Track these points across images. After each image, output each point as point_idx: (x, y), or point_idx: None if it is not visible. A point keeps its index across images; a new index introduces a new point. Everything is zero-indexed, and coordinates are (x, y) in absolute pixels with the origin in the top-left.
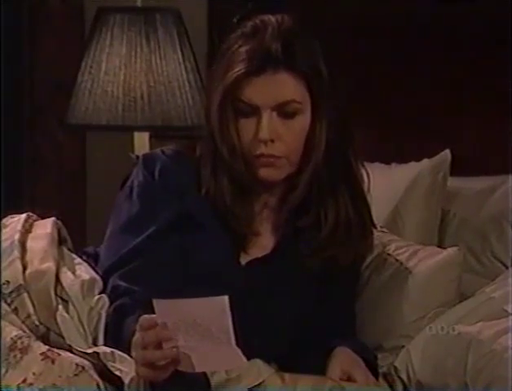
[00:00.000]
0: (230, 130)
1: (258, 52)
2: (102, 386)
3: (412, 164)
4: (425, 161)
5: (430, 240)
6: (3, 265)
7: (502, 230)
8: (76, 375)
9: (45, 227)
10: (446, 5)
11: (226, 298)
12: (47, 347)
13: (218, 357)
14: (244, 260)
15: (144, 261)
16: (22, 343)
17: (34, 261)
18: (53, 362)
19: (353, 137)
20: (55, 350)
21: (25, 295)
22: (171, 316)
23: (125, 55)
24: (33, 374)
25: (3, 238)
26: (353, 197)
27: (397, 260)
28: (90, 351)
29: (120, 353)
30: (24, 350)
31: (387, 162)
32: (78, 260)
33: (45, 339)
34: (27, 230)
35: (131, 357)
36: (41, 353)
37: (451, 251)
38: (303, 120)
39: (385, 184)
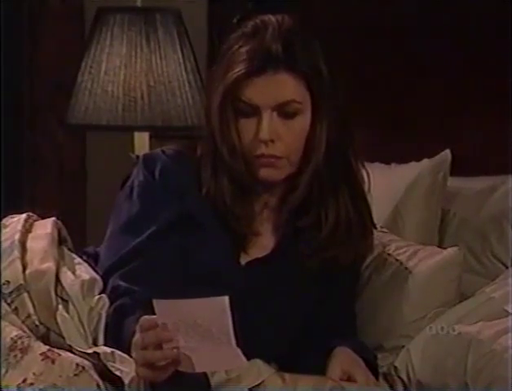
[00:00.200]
0: (230, 130)
1: (259, 52)
2: (102, 386)
3: (412, 164)
4: (425, 161)
5: (430, 240)
6: (3, 265)
7: (502, 230)
8: (76, 375)
9: (45, 227)
10: (446, 5)
11: (226, 298)
12: (47, 347)
13: (218, 357)
14: (244, 260)
15: (144, 261)
16: (22, 343)
17: (34, 261)
18: (53, 362)
19: (353, 137)
20: (56, 350)
21: (25, 295)
22: (171, 316)
23: (126, 55)
24: (34, 374)
25: (3, 238)
26: (353, 197)
27: (397, 260)
28: (90, 351)
29: (120, 353)
30: (25, 350)
31: (387, 162)
32: (78, 260)
33: (45, 339)
34: (27, 230)
35: (131, 357)
36: (42, 354)
37: (451, 251)
38: (303, 121)
39: (385, 184)
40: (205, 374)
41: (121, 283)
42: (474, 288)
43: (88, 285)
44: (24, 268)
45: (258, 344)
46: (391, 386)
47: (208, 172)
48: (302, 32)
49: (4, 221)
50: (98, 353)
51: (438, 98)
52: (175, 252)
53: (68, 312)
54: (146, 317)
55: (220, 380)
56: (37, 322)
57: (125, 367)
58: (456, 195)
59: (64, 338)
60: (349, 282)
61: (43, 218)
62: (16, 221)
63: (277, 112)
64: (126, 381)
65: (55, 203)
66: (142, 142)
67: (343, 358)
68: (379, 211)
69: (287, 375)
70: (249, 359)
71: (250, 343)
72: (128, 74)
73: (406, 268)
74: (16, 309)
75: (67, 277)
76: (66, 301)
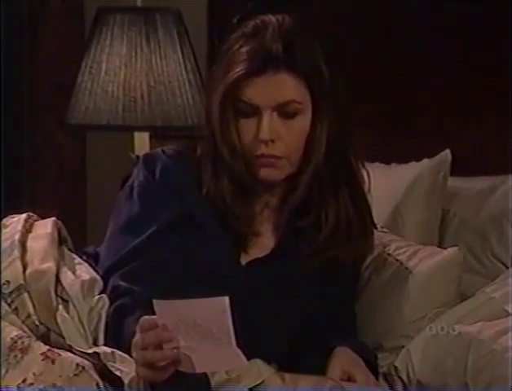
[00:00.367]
0: (230, 130)
1: (259, 52)
2: (102, 386)
3: (413, 164)
4: (426, 161)
5: (431, 240)
6: (3, 265)
7: (502, 230)
8: (76, 375)
9: (45, 227)
10: (446, 5)
11: (226, 299)
12: (47, 347)
13: (218, 357)
14: (244, 260)
15: (145, 261)
16: (22, 343)
17: (34, 261)
18: (53, 362)
19: (353, 137)
20: (56, 350)
21: (25, 295)
22: (171, 317)
23: (126, 55)
24: (34, 374)
25: (3, 238)
26: (353, 197)
27: (397, 260)
28: (90, 351)
29: (120, 353)
30: (25, 350)
31: (387, 162)
32: (78, 260)
33: (45, 339)
34: (27, 230)
35: (132, 357)
36: (42, 353)
37: (451, 251)
38: (304, 121)
39: (385, 184)
40: (205, 374)
41: (122, 283)
42: (474, 288)
43: (88, 285)
44: (25, 268)
45: (258, 344)
46: (391, 386)
47: (208, 172)
48: (302, 32)
49: (4, 221)
50: (98, 353)
51: (438, 98)
52: (175, 252)
53: (68, 312)
54: (146, 317)
55: (220, 379)
56: (37, 322)
57: (125, 367)
58: (457, 195)
59: (64, 338)
60: (349, 282)
61: (43, 218)
62: (16, 221)
63: (277, 112)
64: (126, 381)
65: (55, 203)
66: (142, 142)
67: (343, 358)
68: (379, 211)
69: (287, 375)
70: (249, 359)
71: (250, 343)
72: (128, 74)
73: (406, 268)
74: (16, 309)
75: (67, 277)
76: (66, 301)
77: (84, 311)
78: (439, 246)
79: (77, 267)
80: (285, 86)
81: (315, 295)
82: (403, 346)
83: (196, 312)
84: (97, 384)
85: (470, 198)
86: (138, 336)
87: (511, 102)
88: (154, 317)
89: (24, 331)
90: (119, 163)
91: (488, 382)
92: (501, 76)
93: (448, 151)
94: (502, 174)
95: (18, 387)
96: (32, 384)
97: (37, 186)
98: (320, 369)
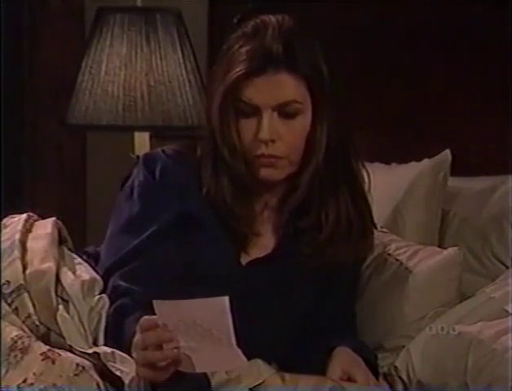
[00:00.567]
0: (230, 130)
1: (259, 52)
2: (102, 386)
3: (413, 164)
4: (426, 161)
5: (431, 240)
6: (3, 265)
7: (502, 230)
8: (76, 375)
9: (45, 227)
10: (446, 5)
11: (226, 299)
12: (48, 347)
13: (218, 357)
14: (244, 260)
15: (145, 261)
16: (22, 343)
17: (34, 261)
18: (53, 362)
19: (353, 137)
20: (56, 350)
21: (26, 295)
22: (171, 317)
23: (126, 55)
24: (34, 374)
25: (3, 238)
26: (354, 197)
27: (397, 260)
28: (90, 351)
29: (120, 353)
30: (25, 350)
31: (387, 162)
32: (78, 260)
33: (45, 339)
34: (27, 230)
35: (132, 357)
36: (42, 353)
37: (451, 251)
38: (304, 121)
39: (385, 184)
40: (205, 374)
41: (122, 283)
42: (474, 288)
43: (88, 285)
44: (25, 268)
45: (258, 344)
46: (391, 386)
47: (208, 172)
48: (302, 32)
49: (4, 221)
50: (98, 353)
51: (438, 98)
52: (175, 252)
53: (68, 312)
54: (146, 317)
55: (220, 380)
56: (37, 322)
57: (125, 367)
58: (457, 195)
59: (64, 338)
60: (349, 282)
61: (43, 218)
62: (16, 221)
63: (277, 112)
64: (127, 381)
65: (55, 203)
66: (142, 142)
67: (343, 358)
68: (379, 211)
69: (287, 375)
70: (249, 359)
71: (250, 343)
72: (128, 74)
73: (406, 268)
74: (16, 309)
75: (67, 277)
76: (66, 301)
77: (84, 311)
78: (440, 246)
79: (77, 267)
80: (285, 86)
81: (315, 295)
82: (403, 346)
83: (196, 312)
84: (97, 384)
85: (470, 198)
86: (138, 336)
87: (511, 102)
88: (154, 317)
89: (24, 331)
90: (119, 163)
91: (488, 382)
92: (501, 77)
93: (447, 151)
94: (502, 174)
95: (18, 387)
96: (32, 384)
97: (37, 186)
98: (320, 369)
